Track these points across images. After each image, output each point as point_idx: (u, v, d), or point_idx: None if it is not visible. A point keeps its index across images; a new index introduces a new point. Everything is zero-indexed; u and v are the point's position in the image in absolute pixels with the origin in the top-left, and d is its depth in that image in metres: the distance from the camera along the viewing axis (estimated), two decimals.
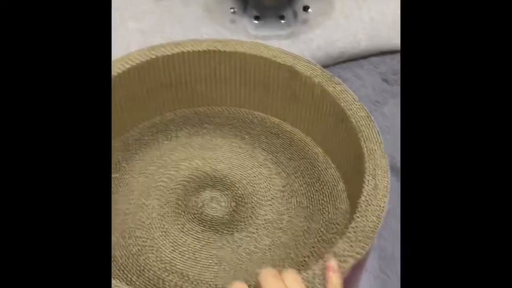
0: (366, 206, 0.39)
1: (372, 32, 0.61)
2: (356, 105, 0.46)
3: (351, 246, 0.36)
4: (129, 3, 0.68)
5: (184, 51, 0.51)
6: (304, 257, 0.44)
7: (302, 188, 0.49)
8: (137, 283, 0.42)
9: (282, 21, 0.69)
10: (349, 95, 0.47)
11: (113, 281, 0.33)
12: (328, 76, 0.49)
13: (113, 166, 0.50)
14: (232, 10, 0.68)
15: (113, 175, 0.50)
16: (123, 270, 0.43)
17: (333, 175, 0.50)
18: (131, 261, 0.43)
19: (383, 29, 0.63)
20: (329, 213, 0.47)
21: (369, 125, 0.45)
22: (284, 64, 0.50)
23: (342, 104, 0.46)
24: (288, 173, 0.50)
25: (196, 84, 0.54)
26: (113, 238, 0.45)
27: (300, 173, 0.51)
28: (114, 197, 0.48)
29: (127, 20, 0.65)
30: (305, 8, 0.67)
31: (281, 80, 0.52)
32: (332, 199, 0.48)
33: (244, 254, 0.44)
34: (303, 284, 0.32)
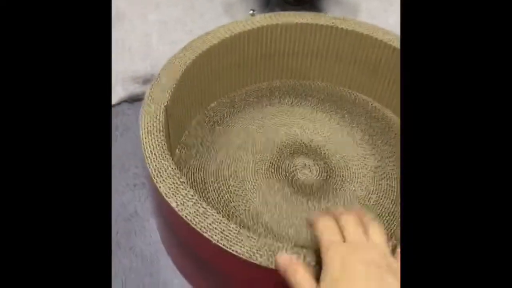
0: None
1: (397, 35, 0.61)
2: None
3: None
4: None
5: (302, 22, 0.53)
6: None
7: (395, 173, 0.50)
8: None
9: None
10: None
11: (213, 212, 0.36)
12: None
13: (218, 119, 0.54)
14: (251, 12, 0.65)
15: (216, 127, 0.53)
16: None
17: None
18: (221, 205, 0.46)
19: None
20: None
21: None
22: (398, 49, 0.50)
23: None
24: (382, 156, 0.51)
25: (307, 57, 0.56)
26: (208, 181, 0.48)
27: (395, 158, 0.51)
28: (214, 146, 0.51)
29: (148, 12, 0.66)
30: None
31: (392, 65, 0.52)
32: None
33: None
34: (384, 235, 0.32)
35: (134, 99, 0.60)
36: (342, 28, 0.52)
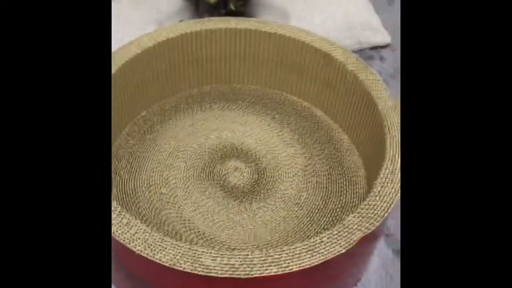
0: (381, 187, 0.40)
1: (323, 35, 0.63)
2: (386, 94, 0.48)
3: (361, 220, 0.37)
4: None
5: (227, 27, 0.53)
6: (317, 232, 0.46)
7: (324, 170, 0.51)
8: None
9: None
10: (380, 85, 0.48)
11: (137, 223, 0.36)
12: (362, 65, 0.50)
13: (148, 128, 0.53)
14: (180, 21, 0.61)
15: (147, 136, 0.53)
16: (145, 221, 0.45)
17: (355, 162, 0.52)
18: (153, 213, 0.46)
19: (333, 32, 0.64)
20: (346, 196, 0.49)
21: (394, 115, 0.46)
22: (320, 50, 0.52)
23: (373, 93, 0.48)
24: (312, 154, 0.52)
25: (235, 62, 0.57)
26: (139, 191, 0.48)
27: (324, 156, 0.52)
28: (145, 155, 0.51)
29: None
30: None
31: (316, 65, 0.53)
32: (352, 184, 0.50)
33: (260, 222, 0.46)
34: None
35: None
36: (265, 32, 0.53)
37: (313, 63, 0.54)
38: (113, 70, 0.48)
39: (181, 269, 0.34)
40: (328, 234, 0.36)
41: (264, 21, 0.54)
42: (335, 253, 0.35)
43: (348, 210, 0.48)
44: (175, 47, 0.53)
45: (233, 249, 0.44)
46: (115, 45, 0.60)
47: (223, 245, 0.44)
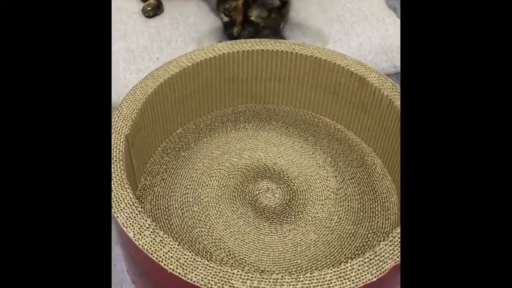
0: None
1: (360, 57, 0.63)
2: None
3: (393, 249, 0.37)
4: (118, 21, 0.68)
5: (264, 49, 0.54)
6: (346, 257, 0.45)
7: (356, 194, 0.51)
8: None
9: None
10: None
11: (170, 241, 0.37)
12: (398, 90, 0.50)
13: (183, 145, 0.54)
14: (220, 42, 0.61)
15: (181, 154, 0.54)
16: (176, 238, 0.46)
17: (388, 187, 0.51)
18: (184, 231, 0.47)
19: (369, 55, 0.64)
20: (378, 221, 0.48)
21: None
22: (355, 73, 0.52)
23: None
24: (344, 178, 0.52)
25: (270, 82, 0.57)
26: (172, 208, 0.48)
27: (356, 179, 0.52)
28: (179, 172, 0.52)
29: (114, 41, 0.65)
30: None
31: (351, 88, 0.54)
32: (384, 209, 0.49)
33: (290, 245, 0.46)
34: None
35: None
36: (301, 54, 0.54)
37: (348, 86, 0.54)
38: (152, 87, 0.49)
39: None
40: (359, 261, 0.36)
41: (301, 43, 0.55)
42: (365, 281, 0.35)
43: (379, 236, 0.47)
44: (213, 66, 0.54)
45: (263, 271, 0.44)
46: (152, 65, 0.62)
47: (252, 266, 0.44)
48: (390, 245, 0.37)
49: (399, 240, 0.38)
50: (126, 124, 0.45)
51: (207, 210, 0.49)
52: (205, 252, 0.45)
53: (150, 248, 0.36)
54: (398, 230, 0.38)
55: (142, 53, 0.64)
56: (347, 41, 0.65)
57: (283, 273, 0.44)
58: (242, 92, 0.58)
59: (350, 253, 0.46)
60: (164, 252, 0.36)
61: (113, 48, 0.65)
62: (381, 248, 0.37)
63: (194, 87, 0.54)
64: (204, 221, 0.48)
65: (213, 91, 0.56)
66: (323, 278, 0.35)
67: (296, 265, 0.45)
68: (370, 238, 0.47)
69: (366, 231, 0.48)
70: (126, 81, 0.63)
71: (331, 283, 0.35)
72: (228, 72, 0.55)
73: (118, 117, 0.46)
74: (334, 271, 0.35)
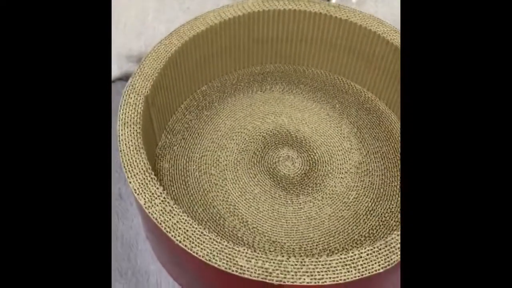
0: None
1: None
2: None
3: None
4: None
5: (297, 9, 0.51)
6: (361, 236, 0.45)
7: (379, 170, 0.49)
8: (202, 215, 0.45)
9: None
10: None
11: (180, 211, 0.37)
12: None
13: (207, 104, 0.54)
14: None
15: (204, 113, 0.53)
16: (192, 200, 0.46)
17: None
18: (200, 194, 0.47)
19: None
20: (398, 202, 0.47)
21: None
22: (391, 43, 0.49)
23: None
24: (368, 151, 0.50)
25: (301, 43, 0.55)
26: (190, 169, 0.48)
27: (381, 154, 0.50)
28: (200, 132, 0.51)
29: None
30: None
31: (386, 58, 0.50)
32: None
33: (304, 217, 0.46)
34: None
35: (129, 78, 0.60)
36: (336, 17, 0.51)
37: (383, 55, 0.51)
38: (177, 45, 0.48)
39: (216, 266, 0.34)
40: (368, 250, 0.35)
41: (336, 5, 0.51)
42: (372, 272, 0.34)
43: (396, 216, 0.46)
44: (241, 25, 0.51)
45: (273, 242, 0.44)
46: (182, 16, 0.60)
47: (264, 235, 0.44)
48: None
49: None
50: (147, 85, 0.44)
51: (224, 174, 0.48)
52: (219, 217, 0.45)
53: (159, 217, 0.36)
54: None
55: (172, 2, 0.62)
56: (389, 0, 0.60)
57: (294, 246, 0.44)
58: (271, 52, 0.56)
59: (364, 231, 0.45)
60: (172, 222, 0.36)
61: None
62: (392, 238, 0.36)
63: (221, 46, 0.52)
64: (220, 185, 0.48)
65: (240, 50, 0.54)
66: (329, 264, 0.34)
67: (308, 238, 0.44)
68: (387, 218, 0.46)
69: (384, 210, 0.46)
70: (155, 32, 0.61)
71: (336, 270, 0.34)
72: (258, 32, 0.53)
73: (139, 76, 0.45)
74: (341, 258, 0.35)
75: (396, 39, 0.49)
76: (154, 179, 0.38)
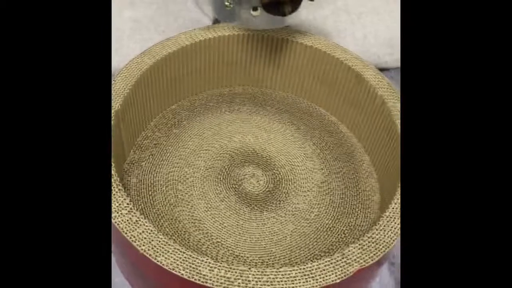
0: (388, 221, 0.40)
1: (363, 48, 0.63)
2: None
3: (361, 253, 0.38)
4: None
5: (264, 35, 0.54)
6: (321, 251, 0.46)
7: (339, 189, 0.51)
8: (167, 229, 0.46)
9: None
10: None
11: (145, 222, 0.38)
12: (392, 91, 0.50)
13: (175, 122, 0.55)
14: (227, 3, 0.52)
15: (173, 130, 0.54)
16: (158, 215, 0.47)
17: (372, 186, 0.52)
18: (166, 208, 0.48)
19: (373, 48, 0.64)
20: (357, 219, 0.49)
21: None
22: (353, 69, 0.52)
23: (397, 122, 0.48)
24: (330, 171, 0.53)
25: (268, 68, 0.57)
26: (157, 184, 0.49)
27: (342, 174, 0.52)
28: (168, 149, 0.52)
29: (124, 8, 0.64)
30: None
31: (347, 83, 0.53)
32: (365, 207, 0.50)
33: (267, 233, 0.47)
34: None
35: None
36: (302, 43, 0.54)
37: (345, 81, 0.53)
38: (149, 63, 0.49)
39: (179, 274, 0.35)
40: (325, 262, 0.37)
41: (303, 32, 0.54)
42: (329, 282, 0.36)
43: (356, 233, 0.48)
44: (212, 47, 0.54)
45: (237, 256, 0.45)
46: (157, 37, 0.62)
47: (228, 250, 0.46)
48: (359, 249, 0.38)
49: (369, 245, 0.38)
50: (118, 100, 0.46)
51: (191, 190, 0.50)
52: (184, 231, 0.46)
53: (125, 227, 0.37)
54: (369, 234, 0.39)
55: (149, 24, 0.64)
56: (352, 32, 0.64)
57: (257, 260, 0.45)
58: (240, 74, 0.58)
59: (324, 247, 0.47)
60: (138, 232, 0.37)
61: (121, 16, 0.64)
62: (349, 251, 0.38)
63: (191, 67, 0.54)
64: (186, 200, 0.49)
65: (211, 71, 0.56)
66: (289, 274, 0.36)
67: (270, 253, 0.46)
68: (347, 235, 0.48)
69: (343, 227, 0.48)
70: (129, 50, 0.63)
71: (295, 280, 0.36)
72: (227, 55, 0.55)
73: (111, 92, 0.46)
74: (300, 269, 0.36)
75: (357, 66, 0.52)
76: (122, 190, 0.39)
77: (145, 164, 0.51)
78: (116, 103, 0.45)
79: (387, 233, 0.40)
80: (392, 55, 0.66)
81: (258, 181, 0.51)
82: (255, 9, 0.51)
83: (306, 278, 0.36)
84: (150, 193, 0.49)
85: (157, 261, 0.36)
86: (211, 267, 0.36)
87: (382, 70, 0.64)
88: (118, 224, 0.37)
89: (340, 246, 0.47)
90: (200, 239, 0.46)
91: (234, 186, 0.50)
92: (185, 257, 0.36)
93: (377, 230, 0.40)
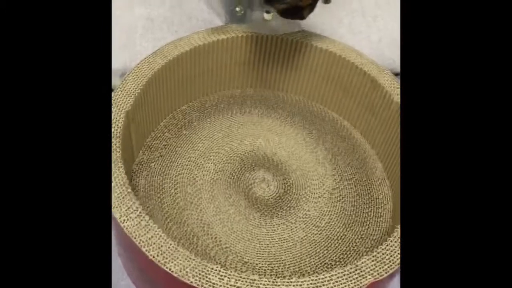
0: None
1: (378, 52, 0.62)
2: None
3: (375, 265, 0.37)
4: None
5: (278, 36, 0.53)
6: (331, 260, 0.45)
7: (351, 196, 0.50)
8: (175, 233, 0.45)
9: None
10: None
11: (154, 227, 0.37)
12: None
13: (186, 123, 0.54)
14: (238, 9, 0.52)
15: (183, 131, 0.53)
16: (166, 218, 0.46)
17: (384, 193, 0.51)
18: (175, 211, 0.47)
19: (388, 51, 0.63)
20: (368, 228, 0.48)
21: None
22: (368, 74, 0.50)
23: None
24: (342, 178, 0.52)
25: (281, 69, 0.56)
26: (166, 186, 0.49)
27: (354, 181, 0.51)
28: (178, 150, 0.52)
29: (135, 5, 0.63)
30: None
31: (362, 88, 0.52)
32: (377, 215, 0.49)
33: (276, 239, 0.46)
34: None
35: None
36: (316, 46, 0.53)
37: (359, 86, 0.52)
38: (160, 63, 0.48)
39: (188, 282, 0.34)
40: (338, 273, 0.36)
41: (317, 35, 0.53)
42: None
43: (367, 242, 0.47)
44: (224, 48, 0.53)
45: (246, 262, 0.44)
46: (169, 37, 0.61)
47: (236, 256, 0.45)
48: (373, 261, 0.37)
49: (383, 256, 0.37)
50: (128, 100, 0.45)
51: (200, 193, 0.49)
52: (192, 235, 0.46)
53: (134, 232, 0.36)
54: (384, 246, 0.38)
55: (162, 24, 0.63)
56: (367, 34, 0.63)
57: (266, 267, 0.44)
58: (252, 76, 0.57)
59: (335, 256, 0.46)
60: (147, 237, 0.36)
61: (133, 14, 0.63)
62: (362, 263, 0.37)
63: (203, 67, 0.53)
64: (195, 204, 0.48)
65: (222, 72, 0.55)
66: (300, 285, 0.35)
67: (280, 260, 0.45)
68: (358, 244, 0.47)
69: (355, 235, 0.47)
70: (141, 48, 0.62)
71: None
72: (240, 56, 0.54)
73: (121, 92, 0.45)
74: (312, 280, 0.35)
75: (373, 71, 0.51)
76: (131, 193, 0.38)
77: (154, 165, 0.50)
78: (127, 103, 0.44)
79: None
80: None
81: (268, 186, 0.50)
82: (267, 12, 0.50)
83: None
84: (158, 195, 0.48)
85: (166, 267, 0.35)
86: (221, 275, 0.35)
87: (397, 74, 0.63)
88: (127, 228, 0.36)
89: (351, 255, 0.46)
90: (208, 244, 0.45)
91: (244, 190, 0.49)
92: (194, 265, 0.35)
93: (391, 241, 0.39)
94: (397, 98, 0.49)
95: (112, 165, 0.40)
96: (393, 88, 0.49)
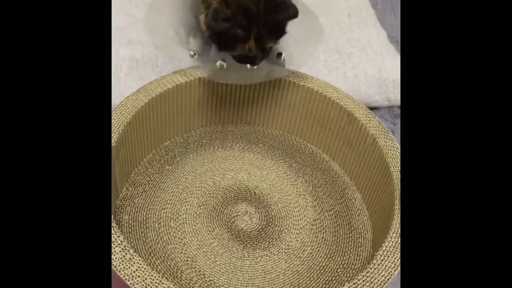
0: (382, 260, 0.41)
1: (354, 88, 0.65)
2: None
3: None
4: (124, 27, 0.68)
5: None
6: None
7: (332, 227, 0.51)
8: (159, 267, 0.46)
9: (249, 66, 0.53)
10: (397, 153, 0.49)
11: (139, 260, 0.37)
12: (383, 129, 0.51)
13: (169, 159, 0.55)
14: (191, 53, 0.56)
15: (166, 167, 0.54)
16: (150, 252, 0.47)
17: (364, 223, 0.52)
18: (159, 246, 0.47)
19: (364, 87, 0.66)
20: (349, 257, 0.49)
21: None
22: (344, 108, 0.53)
23: (388, 160, 0.48)
24: (322, 209, 0.53)
25: (261, 106, 0.58)
26: (150, 221, 0.49)
27: (334, 212, 0.53)
28: (161, 186, 0.52)
29: (120, 46, 0.65)
30: (279, 55, 0.56)
31: (339, 122, 0.54)
32: (357, 245, 0.50)
33: (260, 271, 0.47)
34: None
35: None
36: (294, 82, 0.55)
37: (336, 120, 0.54)
38: (144, 101, 0.50)
39: None
40: None
41: (295, 71, 0.56)
42: None
43: (348, 272, 0.48)
44: (205, 86, 0.55)
45: None
46: (153, 77, 0.62)
47: None
48: None
49: (363, 284, 0.38)
50: (113, 137, 0.46)
51: (184, 227, 0.49)
52: (176, 269, 0.46)
53: (118, 265, 0.37)
54: (364, 273, 0.39)
55: (146, 64, 0.65)
56: (343, 71, 0.65)
57: None
58: (233, 112, 0.59)
59: (318, 286, 0.46)
60: (132, 270, 0.37)
61: (119, 54, 0.65)
62: None
63: (186, 104, 0.55)
64: (179, 238, 0.48)
65: (204, 109, 0.57)
66: None
67: None
68: (340, 273, 0.48)
69: (336, 265, 0.48)
70: (126, 87, 0.63)
71: None
72: (221, 93, 0.56)
73: None
74: None
75: (349, 105, 0.53)
76: (115, 227, 0.39)
77: (138, 200, 0.51)
78: (111, 140, 0.45)
79: (381, 272, 0.40)
80: (381, 95, 0.68)
81: (251, 218, 0.51)
82: (223, 60, 0.53)
83: None
84: (142, 230, 0.49)
85: None
86: None
87: (372, 109, 0.66)
88: (112, 262, 0.37)
89: (333, 285, 0.47)
90: (192, 278, 0.46)
91: (227, 223, 0.50)
92: None
93: (371, 269, 0.40)
94: (372, 130, 0.51)
95: None
96: (368, 121, 0.52)
